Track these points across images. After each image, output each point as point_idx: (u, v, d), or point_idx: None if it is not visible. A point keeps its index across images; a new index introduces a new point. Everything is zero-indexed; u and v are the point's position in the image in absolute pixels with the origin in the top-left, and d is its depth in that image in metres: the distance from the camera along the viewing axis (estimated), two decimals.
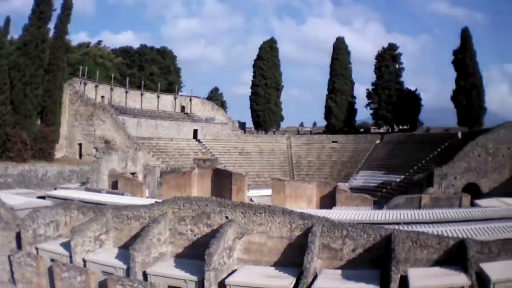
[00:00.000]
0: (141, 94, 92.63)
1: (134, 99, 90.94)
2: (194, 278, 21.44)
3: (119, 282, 20.80)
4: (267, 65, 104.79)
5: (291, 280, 21.03)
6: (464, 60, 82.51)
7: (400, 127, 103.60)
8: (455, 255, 22.78)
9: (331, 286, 20.71)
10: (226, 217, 24.18)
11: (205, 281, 20.89)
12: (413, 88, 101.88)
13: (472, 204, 41.85)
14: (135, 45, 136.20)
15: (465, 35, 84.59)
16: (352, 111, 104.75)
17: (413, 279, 20.93)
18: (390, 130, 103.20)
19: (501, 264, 22.18)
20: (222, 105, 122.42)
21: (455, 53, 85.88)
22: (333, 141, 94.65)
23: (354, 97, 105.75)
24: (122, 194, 42.44)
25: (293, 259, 22.86)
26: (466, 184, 54.11)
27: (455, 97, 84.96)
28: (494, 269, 21.29)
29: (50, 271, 23.71)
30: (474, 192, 50.61)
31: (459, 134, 73.52)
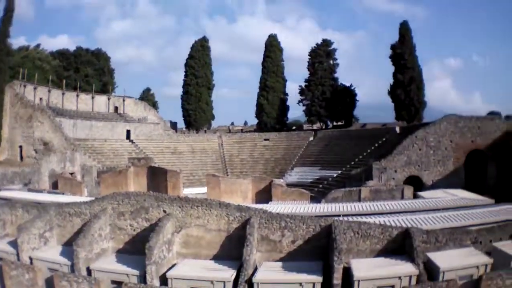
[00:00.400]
0: (77, 96, 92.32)
1: (70, 100, 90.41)
2: (136, 272, 22.08)
3: (64, 278, 21.12)
4: (198, 64, 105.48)
5: (232, 273, 21.39)
6: (403, 54, 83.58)
7: (335, 124, 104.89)
8: (401, 245, 22.90)
9: (273, 278, 20.96)
10: (164, 211, 24.66)
11: (147, 274, 21.38)
12: (348, 84, 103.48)
13: (416, 196, 42.28)
14: (71, 47, 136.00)
15: (404, 29, 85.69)
16: (284, 108, 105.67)
17: (357, 269, 20.90)
18: (324, 127, 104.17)
19: (450, 253, 22.45)
20: (154, 105, 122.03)
21: (393, 47, 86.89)
22: (265, 139, 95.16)
23: (287, 94, 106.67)
24: (63, 194, 43.01)
25: (232, 252, 23.33)
26: (408, 177, 55.12)
27: (392, 92, 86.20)
28: (442, 258, 21.49)
29: (0, 270, 23.64)
30: (417, 185, 51.40)
31: (397, 129, 74.65)
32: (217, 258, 23.70)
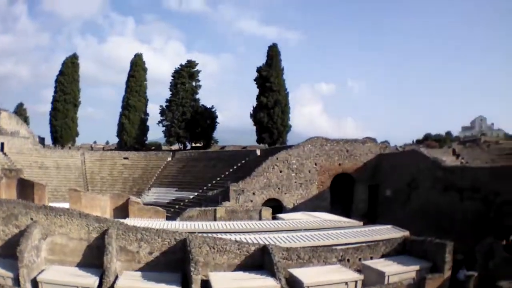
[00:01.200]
0: None
1: None
2: (11, 274, 22.76)
3: None
4: (68, 80, 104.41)
5: (95, 279, 22.54)
6: (269, 77, 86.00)
7: (193, 145, 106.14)
8: (261, 261, 24.25)
9: (133, 286, 21.98)
10: (31, 219, 25.41)
11: (19, 277, 22.17)
12: (209, 106, 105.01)
13: (275, 218, 42.89)
14: None
15: (273, 52, 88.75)
16: (144, 128, 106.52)
17: (215, 282, 21.84)
18: (182, 148, 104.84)
19: (315, 269, 23.98)
20: (26, 120, 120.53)
21: (259, 69, 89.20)
22: (124, 158, 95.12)
23: (147, 114, 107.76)
24: None
25: (94, 260, 24.23)
26: (267, 200, 55.66)
27: (255, 115, 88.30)
28: (306, 274, 22.86)
29: None
30: (278, 207, 52.80)
31: (258, 151, 76.18)
32: (80, 265, 24.65)
